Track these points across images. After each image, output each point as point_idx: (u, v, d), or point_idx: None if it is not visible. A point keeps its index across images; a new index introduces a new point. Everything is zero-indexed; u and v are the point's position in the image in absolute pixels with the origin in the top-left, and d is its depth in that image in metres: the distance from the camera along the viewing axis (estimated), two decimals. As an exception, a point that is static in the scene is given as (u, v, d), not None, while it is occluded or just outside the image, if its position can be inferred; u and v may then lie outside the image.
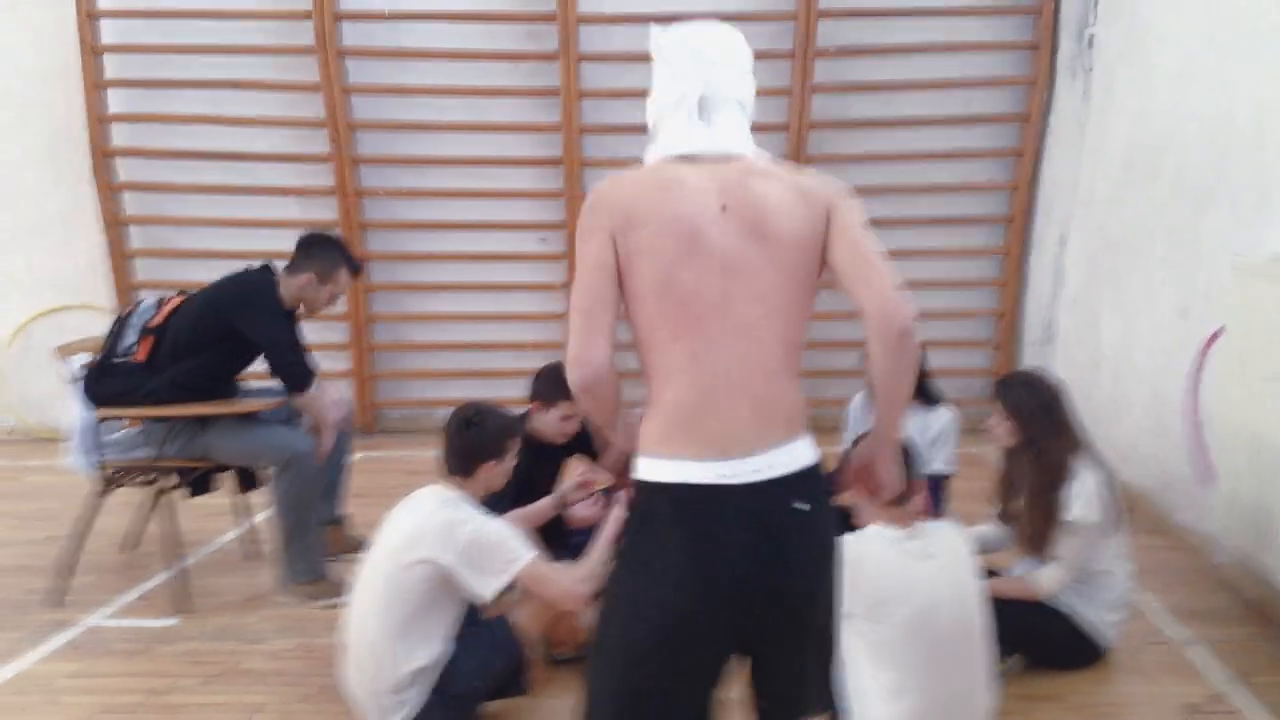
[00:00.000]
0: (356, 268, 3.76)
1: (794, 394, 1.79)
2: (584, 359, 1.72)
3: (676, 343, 1.75)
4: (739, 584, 1.69)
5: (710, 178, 1.79)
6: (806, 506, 1.74)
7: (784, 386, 1.77)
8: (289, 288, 3.59)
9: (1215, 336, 3.74)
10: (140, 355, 3.47)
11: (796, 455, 1.75)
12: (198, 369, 3.47)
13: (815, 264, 1.81)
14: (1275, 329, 3.22)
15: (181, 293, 3.67)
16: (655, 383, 1.78)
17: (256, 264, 3.65)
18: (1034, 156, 5.41)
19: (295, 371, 3.54)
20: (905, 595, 2.34)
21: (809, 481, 1.76)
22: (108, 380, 3.50)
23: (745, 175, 1.80)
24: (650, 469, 1.75)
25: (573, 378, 1.73)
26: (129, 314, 3.59)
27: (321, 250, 3.65)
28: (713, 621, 1.71)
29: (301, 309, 3.65)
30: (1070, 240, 5.40)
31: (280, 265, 3.63)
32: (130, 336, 3.51)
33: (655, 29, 2.04)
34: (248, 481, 3.85)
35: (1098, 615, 2.96)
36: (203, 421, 3.48)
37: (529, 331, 5.80)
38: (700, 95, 1.88)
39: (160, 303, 3.59)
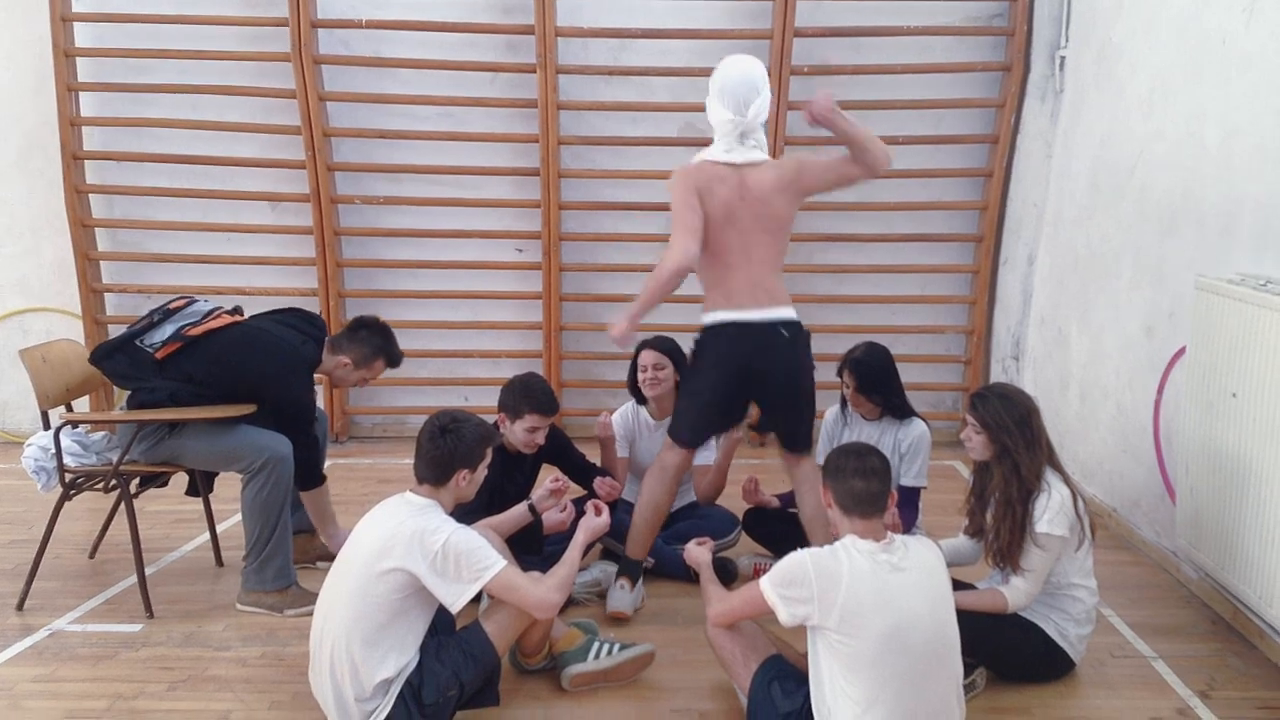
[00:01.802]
0: (396, 361, 3.79)
1: (779, 284, 3.36)
2: (685, 249, 3.15)
3: (721, 265, 3.31)
4: (751, 369, 3.32)
5: (740, 176, 3.28)
6: (786, 334, 3.31)
7: (773, 282, 3.34)
8: (325, 362, 3.65)
9: (1178, 355, 3.81)
10: (160, 354, 3.40)
11: (781, 312, 3.32)
12: (202, 399, 3.42)
13: (790, 219, 3.38)
14: (1236, 348, 3.29)
15: (236, 309, 3.63)
16: (714, 280, 3.34)
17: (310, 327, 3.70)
18: (1003, 177, 5.48)
19: (308, 470, 3.58)
20: (879, 608, 2.35)
21: (787, 323, 3.32)
22: (119, 357, 3.44)
23: (759, 174, 3.29)
24: (717, 317, 3.33)
25: (676, 259, 3.13)
26: (177, 310, 3.52)
27: (368, 337, 3.69)
28: (735, 385, 3.38)
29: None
30: (1038, 259, 5.48)
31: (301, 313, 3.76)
32: (166, 332, 3.43)
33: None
34: (201, 486, 3.81)
35: (1066, 629, 3.00)
36: (173, 423, 3.43)
37: (504, 341, 5.79)
38: (740, 125, 3.27)
39: (209, 313, 3.51)
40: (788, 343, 3.32)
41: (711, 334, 3.37)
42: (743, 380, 3.36)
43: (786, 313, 3.35)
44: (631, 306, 3.21)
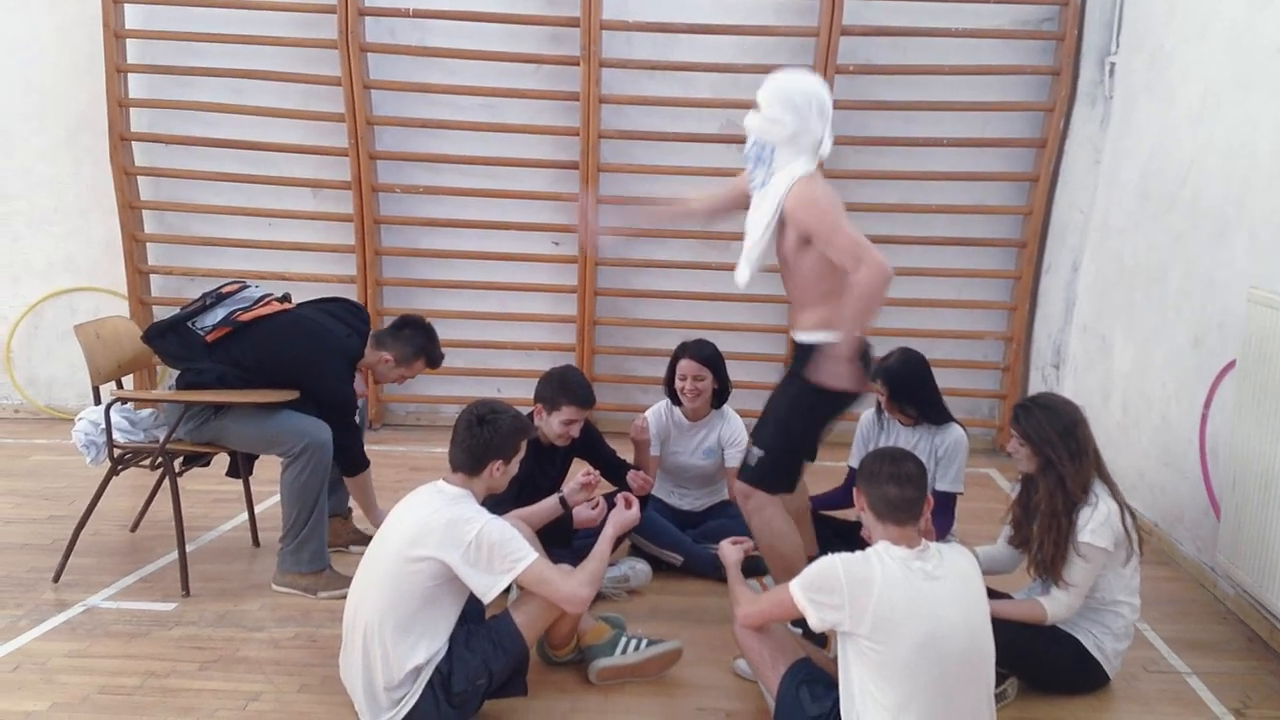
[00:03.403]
0: (437, 362, 3.84)
1: None
2: (883, 260, 2.80)
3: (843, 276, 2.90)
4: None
5: None
6: None
7: None
8: (368, 356, 3.70)
9: (1228, 368, 3.74)
10: (211, 337, 3.46)
11: None
12: (248, 383, 3.48)
13: None
14: (1288, 363, 3.23)
15: (285, 297, 3.68)
16: (839, 293, 2.91)
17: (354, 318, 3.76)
18: (1049, 182, 5.40)
19: (351, 457, 3.64)
20: (912, 616, 2.32)
21: None
22: (171, 337, 3.50)
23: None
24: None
25: (888, 271, 2.80)
26: (229, 294, 3.57)
27: (411, 336, 3.75)
28: (849, 403, 3.08)
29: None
30: (1083, 267, 5.41)
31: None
32: (217, 315, 3.49)
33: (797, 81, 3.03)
34: (243, 468, 3.85)
35: (1104, 643, 2.96)
36: (218, 405, 3.47)
37: (538, 333, 5.80)
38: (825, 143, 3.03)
39: (260, 300, 3.57)
40: None
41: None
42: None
43: None
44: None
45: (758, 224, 3.05)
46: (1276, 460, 3.26)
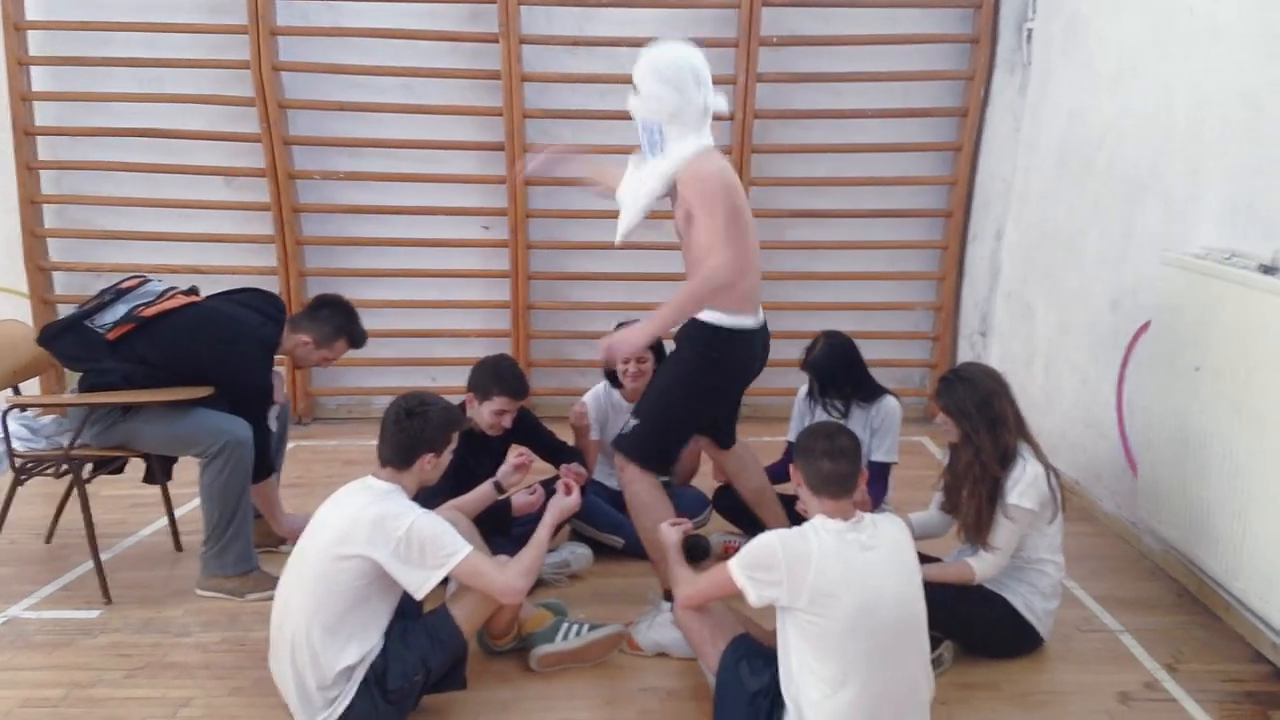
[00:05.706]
0: (359, 341, 3.71)
1: None
2: (733, 263, 2.80)
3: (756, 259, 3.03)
4: (750, 377, 3.16)
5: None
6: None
7: None
8: (286, 341, 3.56)
9: (1143, 330, 3.82)
10: (112, 335, 3.29)
11: None
12: (156, 381, 3.32)
13: None
14: (1200, 322, 3.30)
15: (191, 290, 3.53)
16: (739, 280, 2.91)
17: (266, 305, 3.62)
18: (972, 151, 5.46)
19: (259, 459, 3.47)
20: (847, 587, 2.34)
21: None
22: (69, 337, 3.32)
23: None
24: (741, 322, 2.98)
25: (726, 274, 2.80)
26: (130, 289, 3.41)
27: (330, 315, 3.61)
28: (737, 395, 3.29)
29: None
30: (1006, 234, 5.48)
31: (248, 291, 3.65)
32: (118, 312, 3.32)
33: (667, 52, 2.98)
34: (159, 473, 3.72)
35: (1034, 603, 3.02)
36: (126, 406, 3.33)
37: (470, 320, 5.71)
38: (711, 108, 2.98)
39: (164, 294, 3.41)
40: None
41: (733, 341, 3.00)
42: (745, 382, 3.19)
43: None
44: (650, 324, 2.87)
45: (635, 193, 3.03)
46: (1189, 419, 3.35)
